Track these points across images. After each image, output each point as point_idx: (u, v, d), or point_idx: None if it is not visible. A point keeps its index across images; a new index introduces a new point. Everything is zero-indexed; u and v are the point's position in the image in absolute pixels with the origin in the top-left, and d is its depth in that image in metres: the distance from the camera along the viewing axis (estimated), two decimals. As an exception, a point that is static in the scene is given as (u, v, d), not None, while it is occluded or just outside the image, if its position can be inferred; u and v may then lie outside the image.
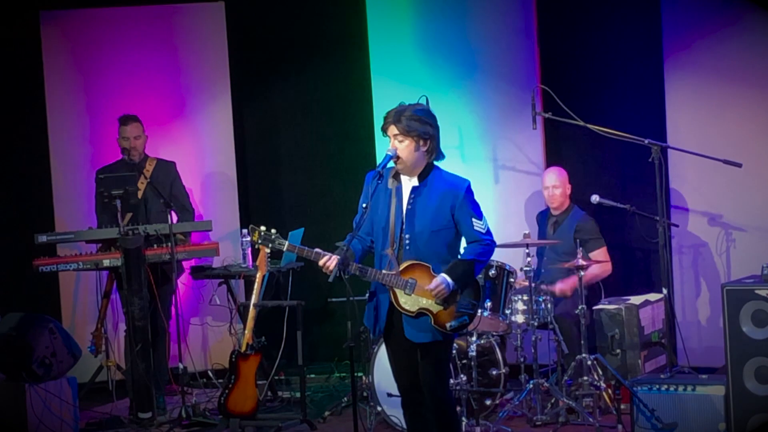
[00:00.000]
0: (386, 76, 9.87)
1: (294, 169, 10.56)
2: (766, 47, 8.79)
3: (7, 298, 9.52)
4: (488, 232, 6.25)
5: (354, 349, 6.52)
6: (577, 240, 8.34)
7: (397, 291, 6.17)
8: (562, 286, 8.60)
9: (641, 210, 8.64)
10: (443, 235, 6.20)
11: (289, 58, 10.44)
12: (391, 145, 6.19)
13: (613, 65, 9.41)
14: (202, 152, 10.24)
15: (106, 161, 9.45)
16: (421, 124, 6.17)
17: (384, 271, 6.18)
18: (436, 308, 6.16)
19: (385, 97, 9.31)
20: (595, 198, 8.72)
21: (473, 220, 6.20)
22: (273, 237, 6.32)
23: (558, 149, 9.58)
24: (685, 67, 9.04)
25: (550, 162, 9.45)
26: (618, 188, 9.20)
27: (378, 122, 6.35)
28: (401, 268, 6.17)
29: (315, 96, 10.47)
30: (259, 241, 6.33)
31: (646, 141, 8.25)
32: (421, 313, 6.17)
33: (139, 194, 8.95)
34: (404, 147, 6.17)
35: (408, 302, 6.18)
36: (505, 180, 9.60)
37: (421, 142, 6.18)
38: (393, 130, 6.17)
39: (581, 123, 8.48)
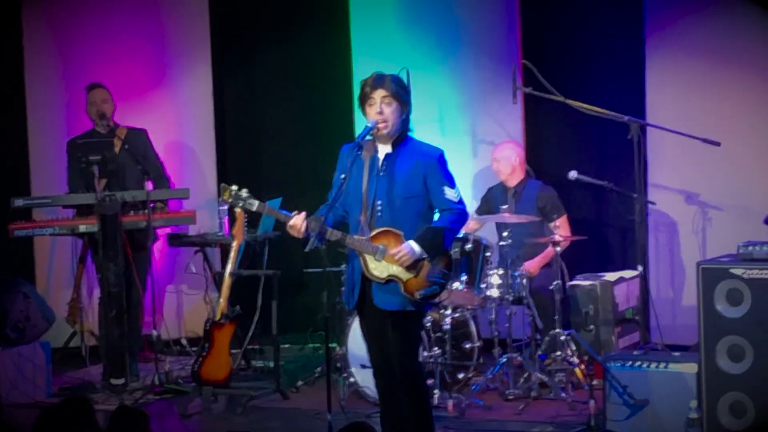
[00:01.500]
0: (367, 48, 9.84)
1: (272, 140, 10.53)
2: (748, 27, 8.80)
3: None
4: (460, 201, 6.21)
5: (329, 319, 6.48)
6: (540, 209, 8.41)
7: (368, 257, 6.12)
8: (530, 268, 8.51)
9: (619, 187, 8.61)
10: (415, 203, 6.15)
11: (269, 29, 10.38)
12: (373, 111, 6.12)
13: (594, 42, 9.37)
14: (181, 121, 10.20)
15: (83, 127, 9.37)
16: (404, 91, 6.19)
17: (356, 237, 6.14)
18: (405, 276, 6.11)
19: (365, 70, 9.12)
20: (573, 174, 8.64)
21: (445, 188, 6.15)
22: (244, 196, 6.26)
23: (537, 125, 9.56)
24: (666, 45, 9.05)
25: (529, 137, 9.45)
26: (596, 165, 9.17)
27: (357, 95, 6.30)
28: (372, 234, 6.11)
29: (295, 67, 10.40)
30: (230, 200, 6.28)
31: (626, 118, 8.25)
32: (391, 280, 6.12)
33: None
34: (392, 110, 6.12)
35: (378, 268, 6.12)
36: (484, 154, 9.56)
37: (403, 108, 6.17)
38: (381, 92, 6.12)
39: (561, 99, 8.46)
